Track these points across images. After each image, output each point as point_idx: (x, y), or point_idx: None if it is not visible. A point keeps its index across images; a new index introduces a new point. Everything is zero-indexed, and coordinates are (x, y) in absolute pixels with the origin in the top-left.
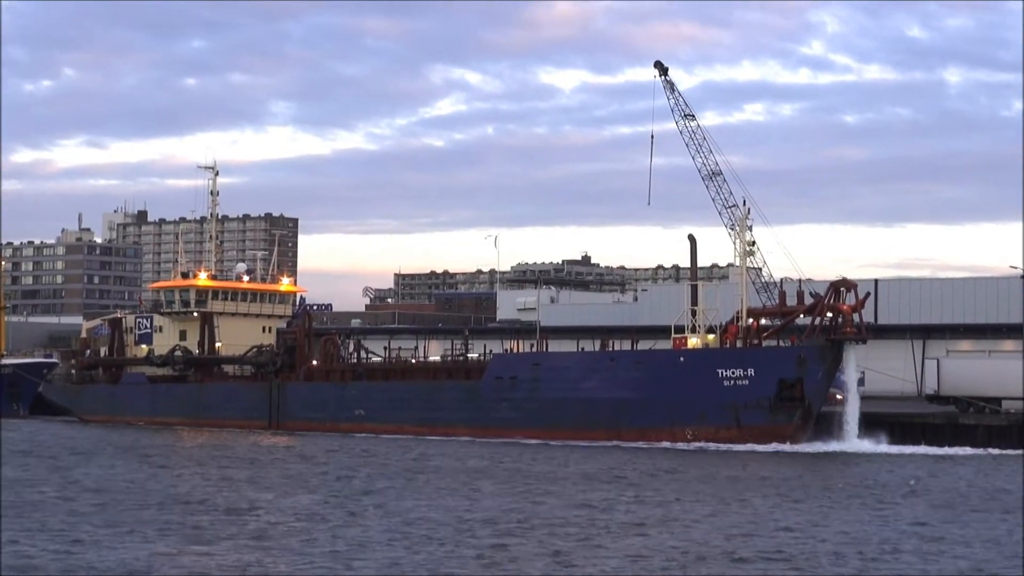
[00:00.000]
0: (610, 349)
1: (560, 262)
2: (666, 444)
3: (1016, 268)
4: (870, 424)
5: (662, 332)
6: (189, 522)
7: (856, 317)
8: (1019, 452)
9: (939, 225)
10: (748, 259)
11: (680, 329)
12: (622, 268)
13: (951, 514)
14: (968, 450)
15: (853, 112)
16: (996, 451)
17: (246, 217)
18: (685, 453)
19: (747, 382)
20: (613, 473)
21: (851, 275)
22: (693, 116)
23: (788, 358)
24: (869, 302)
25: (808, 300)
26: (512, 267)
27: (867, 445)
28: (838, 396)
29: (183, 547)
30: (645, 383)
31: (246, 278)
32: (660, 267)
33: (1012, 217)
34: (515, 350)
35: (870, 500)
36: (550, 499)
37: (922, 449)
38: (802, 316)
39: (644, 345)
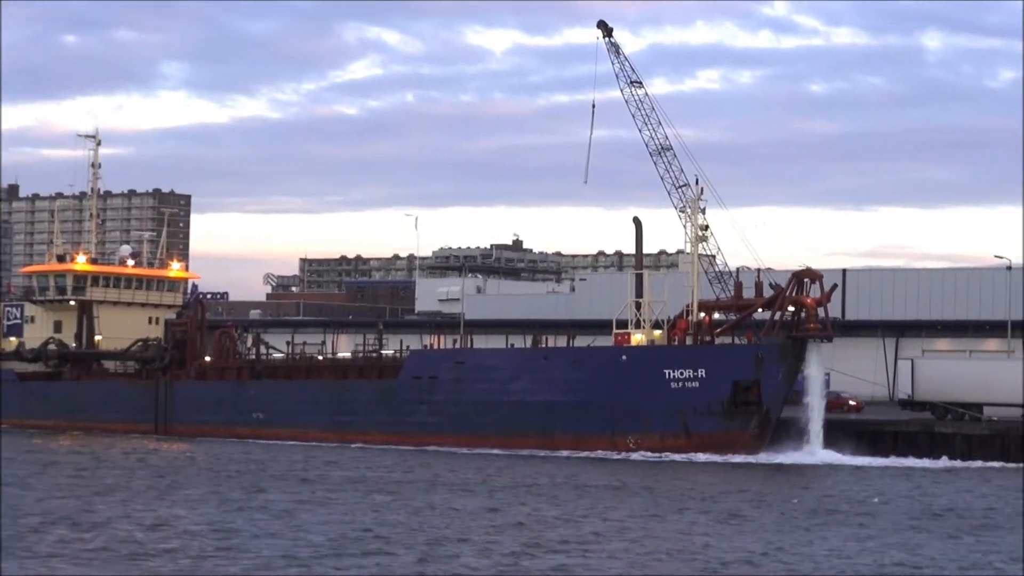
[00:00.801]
0: (543, 346)
1: (488, 247)
2: (605, 453)
3: (1002, 258)
4: (836, 432)
5: (602, 327)
6: None
7: (821, 312)
8: (1002, 465)
9: (916, 209)
10: (700, 245)
11: (623, 324)
12: (558, 254)
13: (924, 537)
14: (945, 462)
15: (820, 81)
16: (978, 463)
17: (131, 193)
18: (624, 464)
19: (697, 384)
20: (524, 484)
21: (816, 264)
22: (640, 83)
23: (744, 358)
24: (836, 295)
25: (767, 292)
26: (433, 252)
27: (832, 456)
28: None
29: None
30: (582, 385)
31: (130, 262)
32: (601, 253)
33: (998, 200)
34: (436, 346)
35: (830, 519)
36: (397, 512)
37: (893, 461)
38: (760, 310)
39: (582, 342)
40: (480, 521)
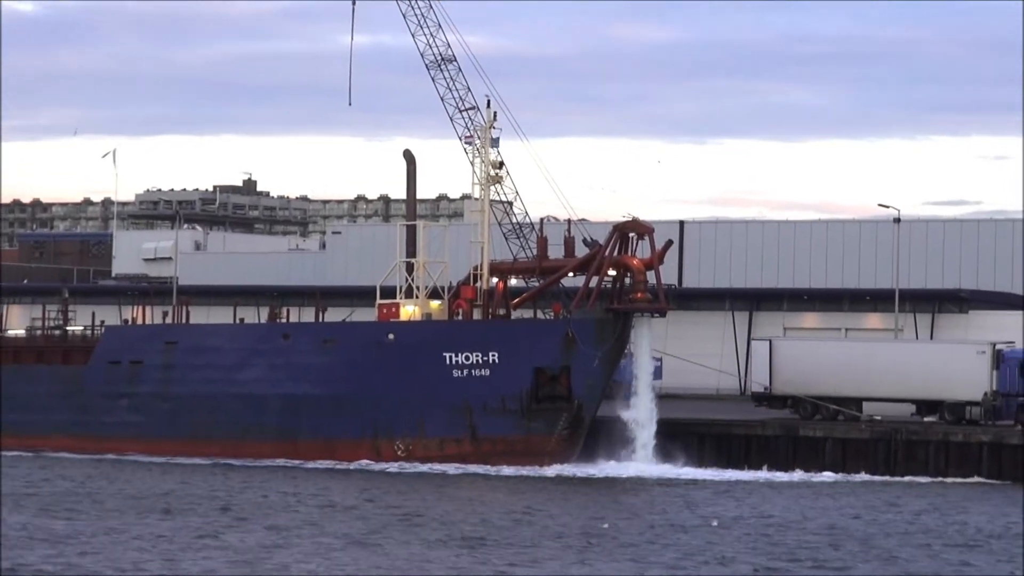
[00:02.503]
0: (284, 321)
1: (210, 189)
2: (365, 463)
3: (888, 207)
4: (670, 436)
5: (363, 296)
6: None
7: (651, 277)
8: (887, 479)
9: (775, 142)
10: (493, 189)
11: (390, 292)
12: (304, 200)
13: None
14: (815, 475)
15: None
16: (860, 476)
17: None
18: (383, 478)
19: (488, 372)
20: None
21: (645, 214)
22: None
23: (550, 337)
24: (671, 254)
25: (581, 251)
26: (138, 196)
27: (664, 468)
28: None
29: None
30: (336, 373)
31: None
32: (361, 199)
33: (883, 131)
34: (140, 321)
35: (639, 551)
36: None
37: (745, 474)
38: (572, 274)
39: (335, 316)
40: None
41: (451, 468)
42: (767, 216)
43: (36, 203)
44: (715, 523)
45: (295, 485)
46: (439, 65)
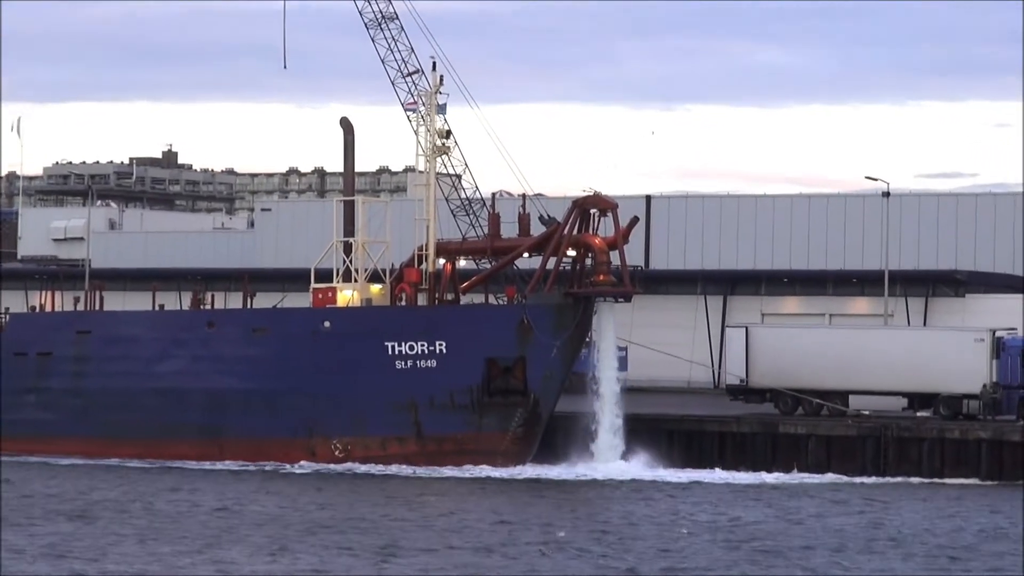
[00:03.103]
0: (208, 307)
1: (126, 162)
2: (300, 465)
3: (876, 180)
4: (637, 433)
5: (295, 280)
6: None
7: (615, 258)
8: (877, 480)
9: (751, 108)
10: (440, 161)
11: (325, 275)
12: (230, 173)
13: None
14: (798, 476)
15: None
16: (845, 477)
17: None
18: (309, 481)
19: (434, 363)
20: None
21: (609, 190)
22: None
23: (503, 324)
24: (637, 232)
25: (538, 230)
26: (46, 170)
27: (629, 468)
28: None
29: None
30: (266, 365)
31: None
32: (294, 172)
33: (872, 95)
34: (49, 308)
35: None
36: None
37: (720, 475)
38: (527, 255)
39: (266, 301)
40: None
41: (393, 469)
42: (743, 191)
43: None
44: (685, 531)
45: (192, 492)
46: (379, 24)
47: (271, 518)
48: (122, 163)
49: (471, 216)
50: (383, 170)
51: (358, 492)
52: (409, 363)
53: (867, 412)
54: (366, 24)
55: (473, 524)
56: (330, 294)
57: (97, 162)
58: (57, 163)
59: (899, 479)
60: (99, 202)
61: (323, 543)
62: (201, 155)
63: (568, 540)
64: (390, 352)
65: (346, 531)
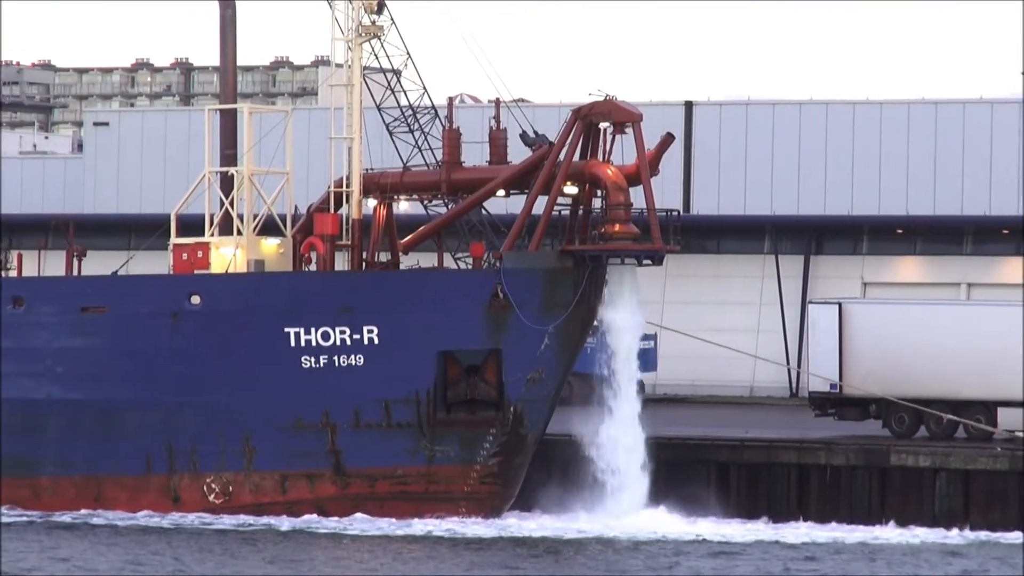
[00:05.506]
0: (12, 274)
1: None
2: (149, 516)
3: None
4: (674, 467)
5: (146, 231)
6: None
7: (638, 198)
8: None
9: None
10: (368, 48)
11: (194, 225)
12: (47, 68)
13: None
14: (919, 533)
15: None
16: (999, 534)
17: None
18: (172, 542)
19: (361, 360)
20: None
21: (627, 94)
22: None
23: (466, 300)
24: (672, 159)
25: (521, 155)
26: None
27: (664, 521)
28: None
29: None
30: (103, 363)
31: None
32: (144, 67)
33: None
34: None
35: None
36: None
37: (801, 531)
38: (503, 193)
39: (101, 264)
40: None
41: (300, 522)
42: (830, 99)
43: None
44: None
45: None
46: None
47: None
48: None
49: (416, 134)
50: (281, 64)
51: (238, 564)
52: (321, 359)
53: (1022, 434)
54: None
55: None
56: (200, 254)
57: None
58: None
59: None
60: None
61: None
62: (7, 46)
63: None
64: (292, 343)
65: None
